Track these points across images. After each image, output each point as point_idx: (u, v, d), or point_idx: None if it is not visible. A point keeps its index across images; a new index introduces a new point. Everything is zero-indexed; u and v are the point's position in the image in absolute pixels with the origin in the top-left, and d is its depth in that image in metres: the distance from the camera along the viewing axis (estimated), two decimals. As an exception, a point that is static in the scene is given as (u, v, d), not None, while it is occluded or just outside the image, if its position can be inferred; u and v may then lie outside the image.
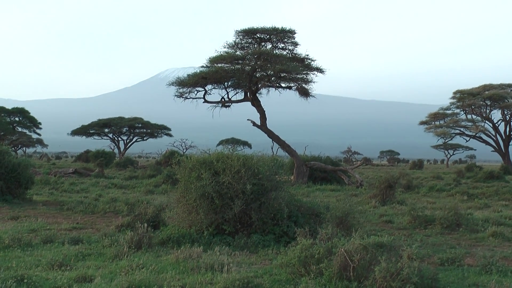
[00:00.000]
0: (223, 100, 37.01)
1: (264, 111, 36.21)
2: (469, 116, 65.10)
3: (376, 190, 23.83)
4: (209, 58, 34.57)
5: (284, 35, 34.42)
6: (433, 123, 67.36)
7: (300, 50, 35.74)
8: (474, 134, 64.10)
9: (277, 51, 34.88)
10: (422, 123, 68.79)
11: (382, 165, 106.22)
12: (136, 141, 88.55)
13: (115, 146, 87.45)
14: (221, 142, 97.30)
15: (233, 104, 37.36)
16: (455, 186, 34.09)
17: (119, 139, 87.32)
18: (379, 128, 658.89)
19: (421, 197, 26.93)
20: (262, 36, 34.65)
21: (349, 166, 42.98)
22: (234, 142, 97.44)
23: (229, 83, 36.81)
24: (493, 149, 63.01)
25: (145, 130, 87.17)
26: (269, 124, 36.60)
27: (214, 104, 37.09)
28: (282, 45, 35.13)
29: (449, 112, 66.49)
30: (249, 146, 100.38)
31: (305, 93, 36.14)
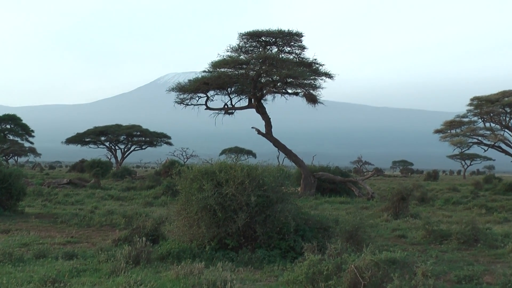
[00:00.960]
0: (226, 107, 37.04)
1: (270, 118, 36.21)
2: (487, 124, 64.67)
3: (388, 202, 23.82)
4: (211, 62, 34.63)
5: (291, 38, 34.44)
6: (448, 131, 66.98)
7: (308, 54, 35.71)
8: (492, 143, 63.72)
9: (283, 55, 34.90)
10: (437, 131, 68.44)
11: (394, 176, 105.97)
12: (134, 150, 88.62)
13: (112, 155, 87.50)
14: (224, 151, 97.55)
15: (236, 111, 37.40)
16: (473, 199, 34.01)
17: (116, 148, 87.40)
18: (391, 137, 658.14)
19: (436, 210, 26.85)
20: (267, 40, 34.67)
21: (359, 177, 42.95)
22: (237, 151, 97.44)
23: (233, 89, 36.86)
24: (513, 159, 62.65)
25: (143, 138, 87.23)
26: (275, 132, 36.60)
27: (217, 111, 37.13)
28: (289, 48, 35.16)
29: (466, 120, 66.13)
30: (254, 155, 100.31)
31: (312, 99, 36.11)
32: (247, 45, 35.09)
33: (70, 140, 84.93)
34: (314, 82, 35.29)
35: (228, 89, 36.64)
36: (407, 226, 19.48)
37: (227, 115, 37.46)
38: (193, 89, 35.75)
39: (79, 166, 76.57)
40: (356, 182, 37.23)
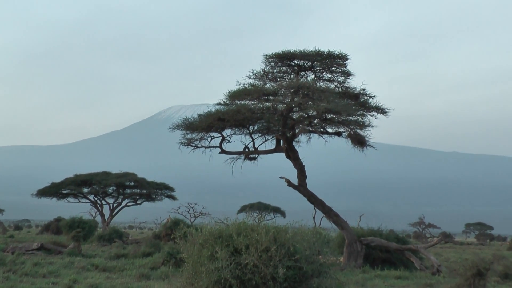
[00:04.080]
0: (247, 150, 37.12)
1: (303, 166, 36.20)
2: None
3: (460, 278, 23.63)
4: (228, 92, 34.72)
5: (332, 61, 34.57)
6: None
7: (354, 83, 35.82)
8: None
9: (322, 83, 35.05)
10: (524, 184, 68.00)
11: (468, 243, 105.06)
12: (126, 205, 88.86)
13: (98, 212, 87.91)
14: (243, 208, 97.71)
15: (260, 155, 37.45)
16: None
17: (103, 202, 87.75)
18: (463, 192, 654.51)
19: (525, 290, 26.55)
20: (301, 63, 34.87)
21: (421, 244, 42.62)
22: (261, 208, 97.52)
23: (256, 127, 36.95)
24: None
25: (139, 190, 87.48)
26: (310, 184, 36.57)
27: (235, 156, 37.20)
28: (329, 75, 35.32)
29: None
30: (282, 214, 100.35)
31: (360, 141, 36.05)
32: (275, 71, 35.28)
33: (43, 192, 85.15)
34: (362, 118, 35.15)
35: (250, 127, 36.72)
36: (485, 311, 19.25)
37: (248, 161, 37.50)
38: (204, 126, 35.81)
39: (54, 226, 77.13)
40: (417, 250, 36.94)
